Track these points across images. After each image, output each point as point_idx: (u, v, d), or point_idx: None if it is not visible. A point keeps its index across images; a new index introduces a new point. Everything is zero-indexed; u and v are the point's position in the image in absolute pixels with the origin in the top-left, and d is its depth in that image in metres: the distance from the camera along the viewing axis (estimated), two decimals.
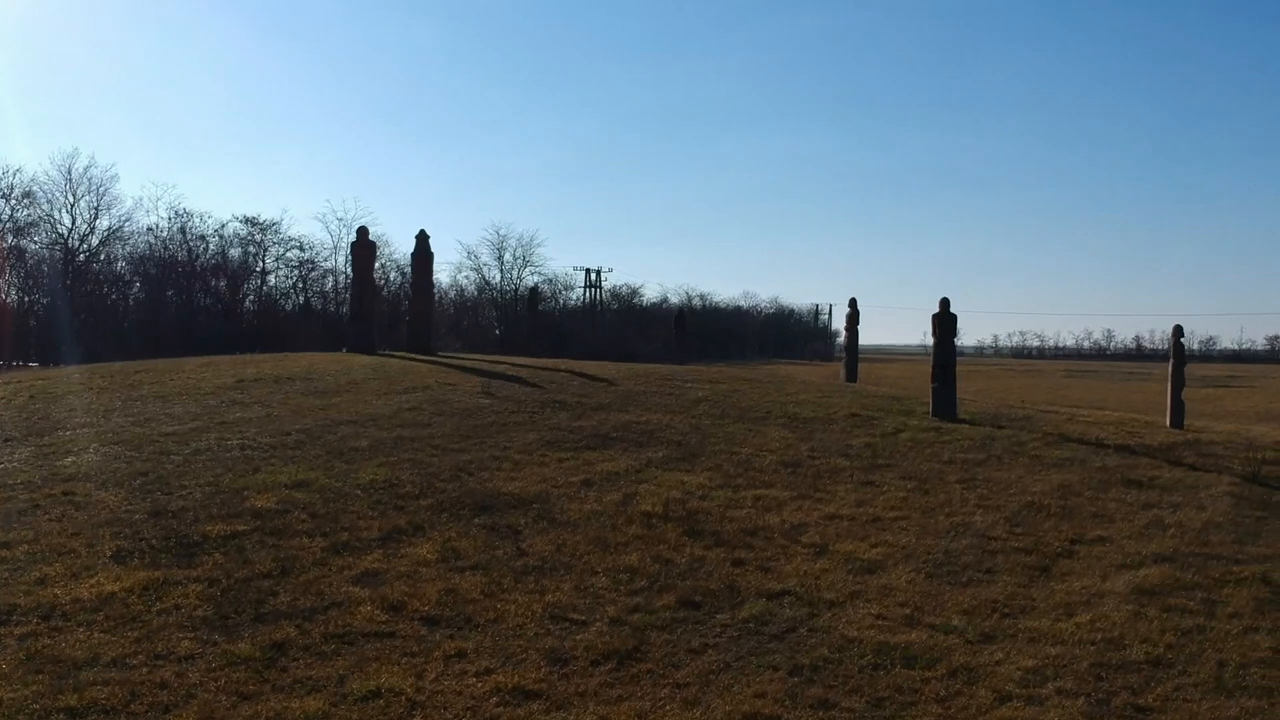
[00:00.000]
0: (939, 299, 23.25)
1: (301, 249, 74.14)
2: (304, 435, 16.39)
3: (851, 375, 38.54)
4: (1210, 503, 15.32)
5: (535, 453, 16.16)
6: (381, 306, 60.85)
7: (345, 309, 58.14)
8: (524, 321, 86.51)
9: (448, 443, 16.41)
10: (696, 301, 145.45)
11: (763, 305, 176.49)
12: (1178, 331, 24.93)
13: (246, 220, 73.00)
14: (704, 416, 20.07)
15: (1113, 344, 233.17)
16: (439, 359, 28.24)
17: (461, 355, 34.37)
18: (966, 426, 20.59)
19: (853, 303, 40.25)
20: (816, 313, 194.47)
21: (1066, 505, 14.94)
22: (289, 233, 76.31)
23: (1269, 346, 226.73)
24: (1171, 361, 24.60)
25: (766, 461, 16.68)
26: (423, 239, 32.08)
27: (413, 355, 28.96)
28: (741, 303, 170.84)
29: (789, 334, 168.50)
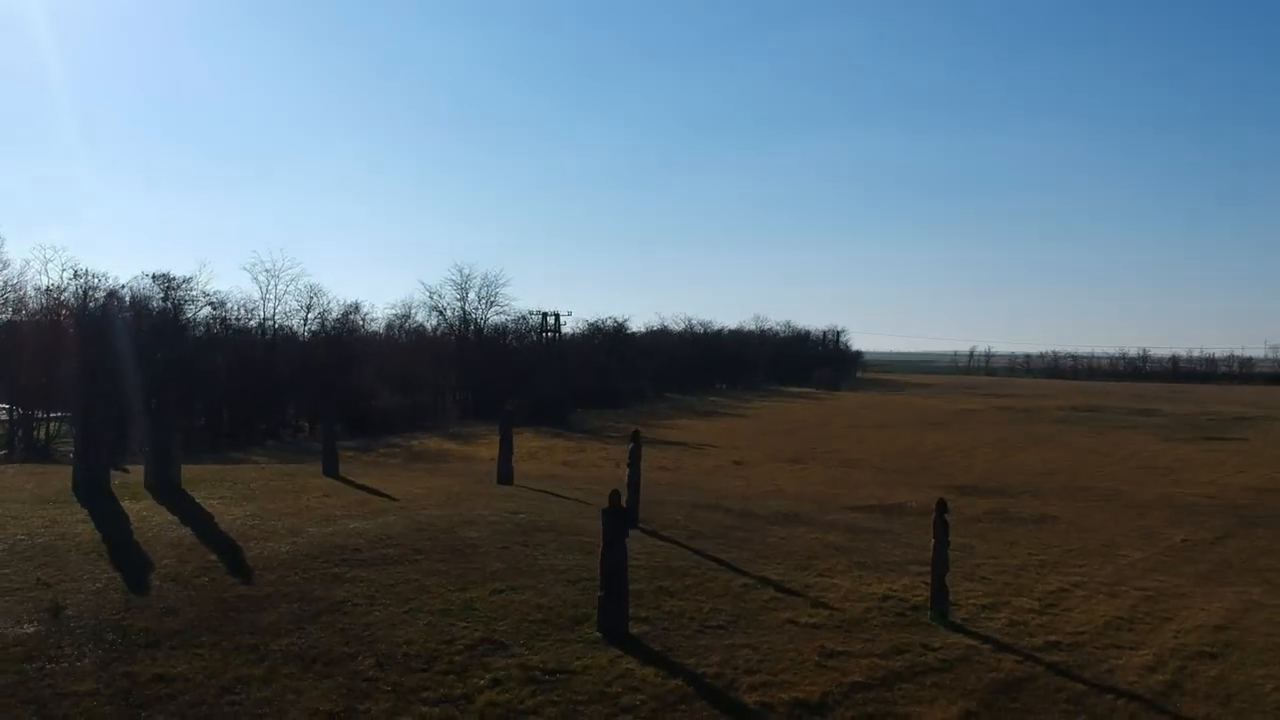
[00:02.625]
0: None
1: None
2: None
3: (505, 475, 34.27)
4: None
5: None
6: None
7: None
8: (481, 362, 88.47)
9: None
10: (698, 329, 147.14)
11: (775, 329, 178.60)
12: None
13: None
14: None
15: (1148, 364, 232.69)
16: None
17: None
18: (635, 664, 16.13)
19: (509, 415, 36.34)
20: (836, 336, 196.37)
21: None
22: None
23: None
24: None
25: None
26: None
27: None
28: (752, 327, 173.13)
29: (802, 359, 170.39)
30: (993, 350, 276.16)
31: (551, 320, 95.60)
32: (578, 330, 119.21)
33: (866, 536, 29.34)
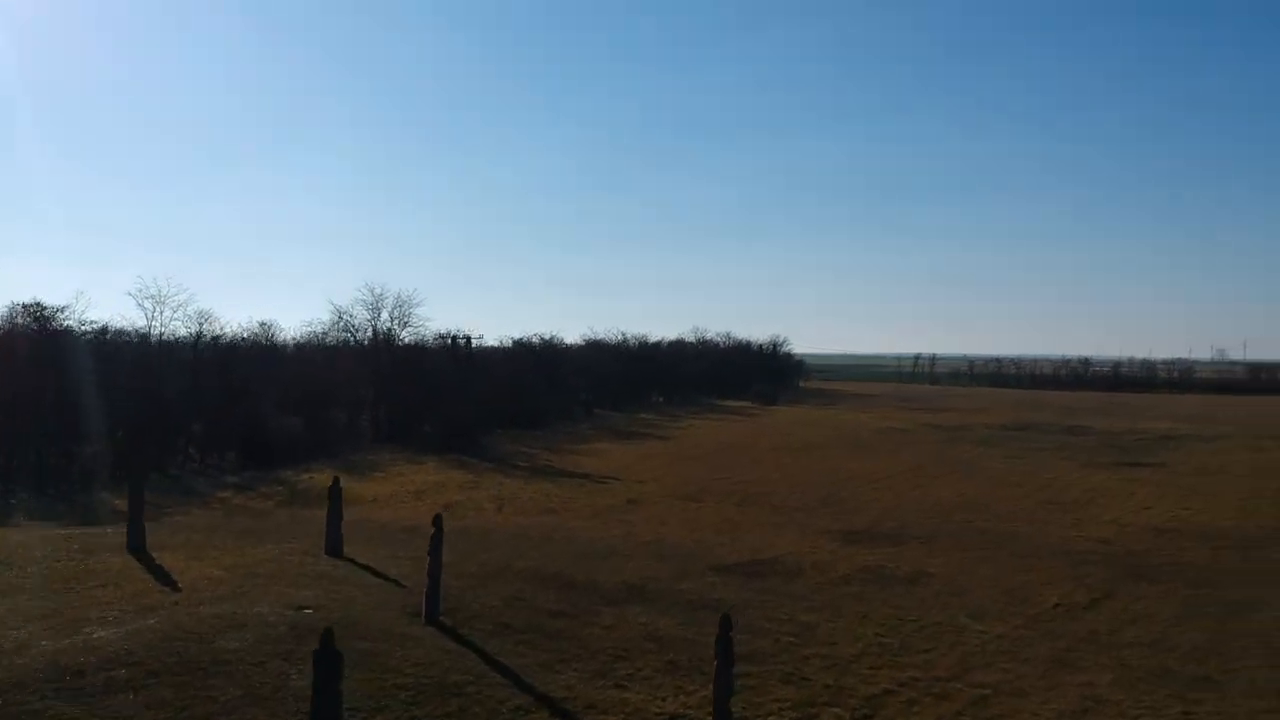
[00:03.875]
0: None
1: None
2: None
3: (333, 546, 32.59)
4: None
5: None
6: None
7: None
8: (393, 385, 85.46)
9: None
10: (633, 342, 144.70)
11: (715, 340, 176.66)
12: None
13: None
14: None
15: (1090, 370, 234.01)
16: None
17: None
18: None
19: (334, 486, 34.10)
20: (775, 347, 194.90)
21: None
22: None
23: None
24: None
25: None
26: None
27: None
28: (691, 339, 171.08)
29: (742, 370, 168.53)
30: (940, 354, 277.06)
31: (464, 340, 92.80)
32: (504, 344, 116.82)
33: (704, 618, 27.21)
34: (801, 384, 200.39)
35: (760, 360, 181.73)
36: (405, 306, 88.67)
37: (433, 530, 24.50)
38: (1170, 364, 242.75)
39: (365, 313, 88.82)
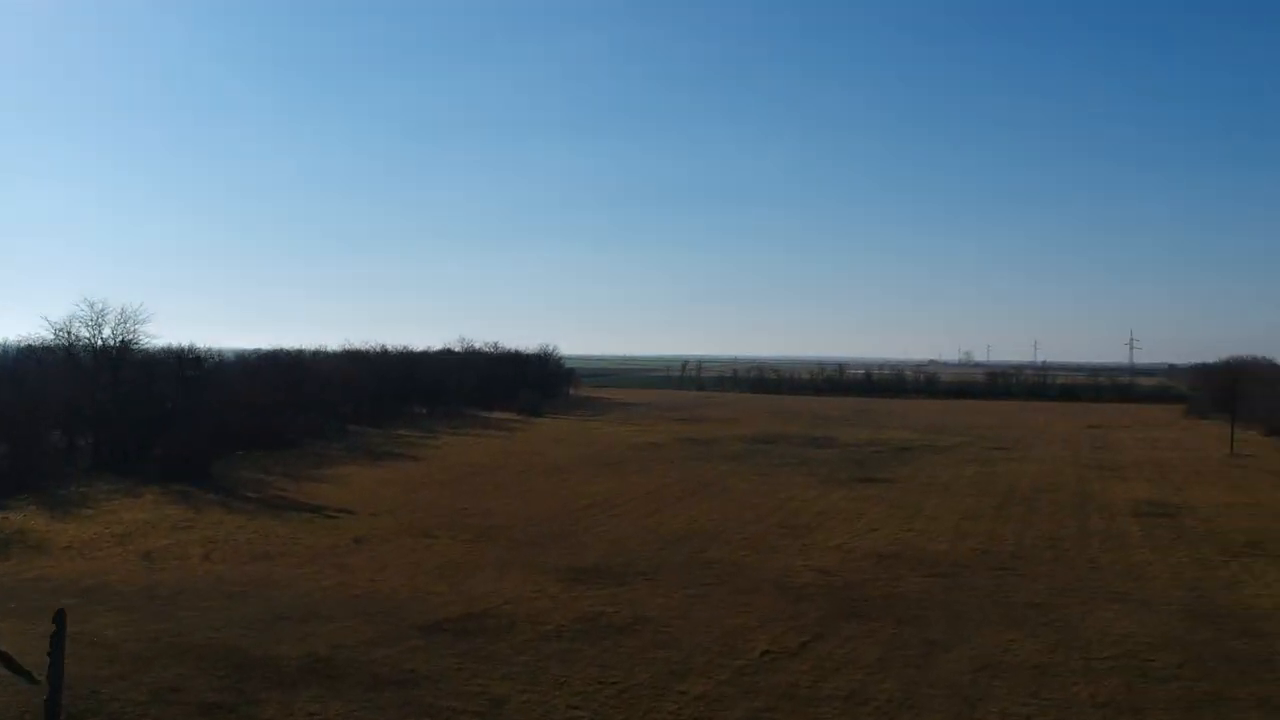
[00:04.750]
0: None
1: None
2: None
3: None
4: None
5: None
6: None
7: None
8: (115, 407, 79.01)
9: None
10: (395, 353, 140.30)
11: (483, 349, 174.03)
12: None
13: None
14: None
15: (845, 376, 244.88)
16: None
17: None
18: None
19: None
20: (546, 355, 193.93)
21: None
22: None
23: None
24: None
25: None
26: None
27: None
28: (458, 348, 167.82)
29: (510, 380, 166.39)
30: (715, 356, 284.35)
31: (192, 357, 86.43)
32: (247, 354, 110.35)
33: (386, 701, 25.14)
34: (572, 392, 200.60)
35: (529, 369, 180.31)
36: (130, 322, 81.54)
37: (53, 628, 21.23)
38: (921, 367, 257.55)
39: (85, 329, 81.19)
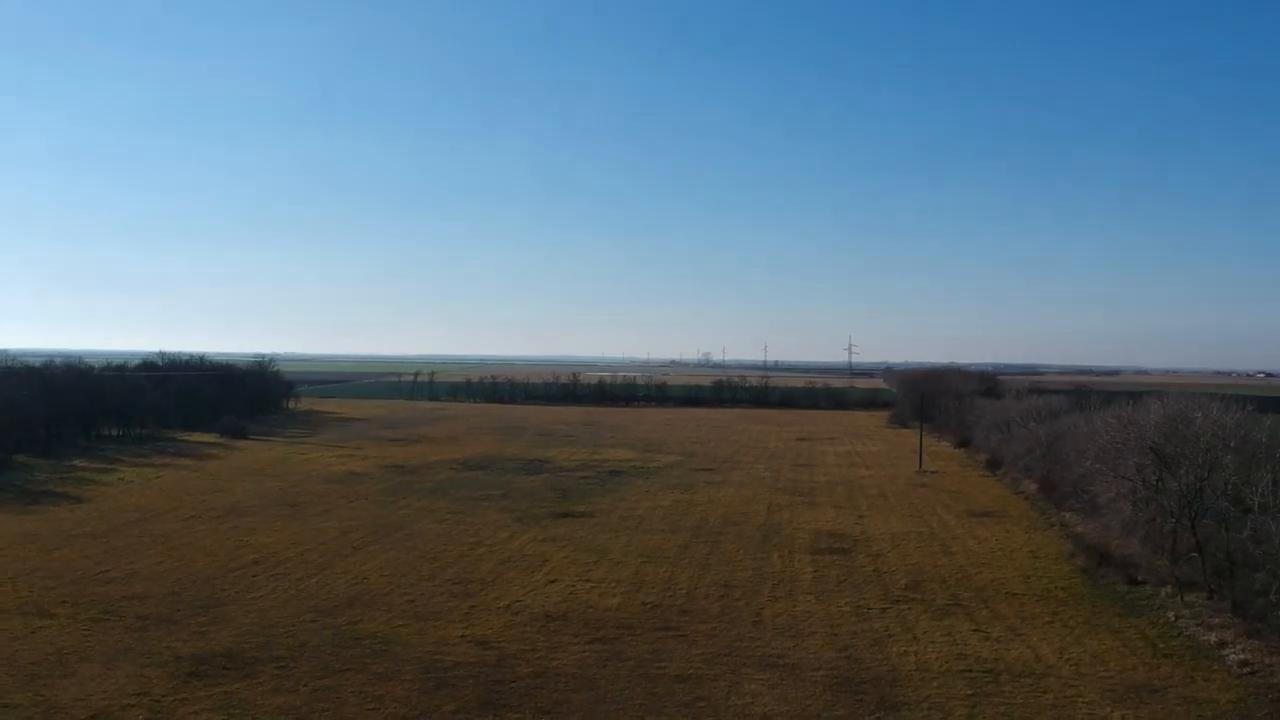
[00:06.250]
0: None
1: None
2: None
3: None
4: None
5: None
6: None
7: None
8: None
9: None
10: (57, 367, 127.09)
11: (186, 359, 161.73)
12: None
13: None
14: None
15: (579, 385, 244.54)
16: None
17: None
18: None
19: None
20: (263, 367, 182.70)
21: None
22: None
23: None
24: None
25: None
26: None
27: None
28: (158, 360, 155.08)
29: (218, 397, 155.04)
30: (456, 357, 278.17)
31: None
32: None
33: None
34: (292, 405, 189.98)
35: (246, 382, 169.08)
36: None
37: None
38: (663, 368, 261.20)
39: None
